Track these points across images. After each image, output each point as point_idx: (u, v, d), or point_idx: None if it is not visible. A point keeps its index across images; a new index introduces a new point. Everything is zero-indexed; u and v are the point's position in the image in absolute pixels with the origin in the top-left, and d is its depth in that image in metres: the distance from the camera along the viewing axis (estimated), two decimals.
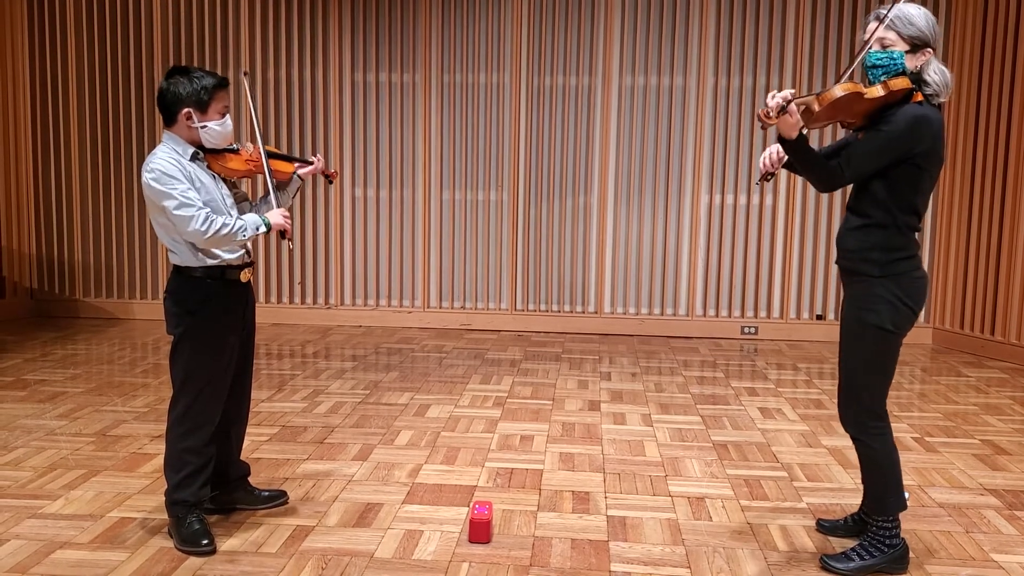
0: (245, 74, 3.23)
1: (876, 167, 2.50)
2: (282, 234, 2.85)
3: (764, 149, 6.44)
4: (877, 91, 2.49)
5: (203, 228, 2.64)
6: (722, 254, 6.63)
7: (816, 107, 2.51)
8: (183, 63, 6.59)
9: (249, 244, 2.93)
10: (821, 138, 6.40)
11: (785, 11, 6.41)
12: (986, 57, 5.98)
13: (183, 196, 2.64)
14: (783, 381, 5.25)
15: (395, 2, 6.64)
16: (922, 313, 2.66)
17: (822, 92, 2.51)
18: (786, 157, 2.81)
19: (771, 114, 2.42)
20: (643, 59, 6.54)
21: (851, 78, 2.52)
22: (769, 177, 2.84)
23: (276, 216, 2.84)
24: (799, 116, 2.47)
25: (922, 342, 6.48)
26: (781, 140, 2.52)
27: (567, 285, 6.77)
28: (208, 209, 2.68)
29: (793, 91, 2.49)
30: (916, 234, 2.60)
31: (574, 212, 6.71)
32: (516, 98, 6.64)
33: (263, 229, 2.79)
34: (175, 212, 2.63)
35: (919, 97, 2.51)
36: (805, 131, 2.54)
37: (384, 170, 6.81)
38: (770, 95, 2.46)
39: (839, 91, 2.47)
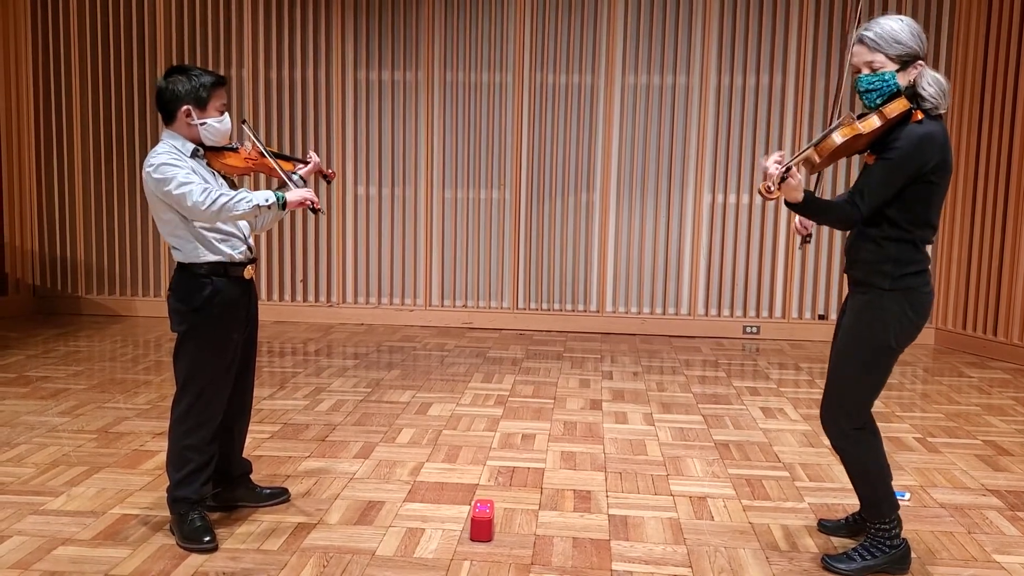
0: (244, 122, 3.11)
1: (890, 194, 2.46)
2: (312, 209, 2.79)
3: (767, 154, 6.47)
4: (874, 123, 2.45)
5: (202, 199, 2.61)
6: (724, 253, 6.62)
7: (817, 159, 2.50)
8: (186, 62, 6.61)
9: (251, 240, 2.93)
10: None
11: (788, 10, 6.40)
12: (989, 58, 5.97)
13: (183, 177, 2.64)
14: (785, 381, 5.25)
15: (398, 0, 6.64)
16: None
17: (820, 142, 2.49)
18: None
19: (772, 188, 2.41)
20: (646, 58, 6.54)
21: (851, 109, 2.50)
22: (809, 239, 2.90)
23: (294, 194, 2.77)
24: (800, 176, 2.45)
25: (925, 342, 6.47)
26: (788, 204, 2.51)
27: (569, 284, 6.77)
28: (208, 186, 2.67)
29: (781, 152, 2.47)
30: (928, 247, 2.57)
31: (576, 211, 6.71)
32: (519, 96, 6.64)
33: (272, 200, 2.71)
34: (175, 192, 2.63)
35: (919, 115, 2.46)
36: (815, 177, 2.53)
37: (386, 168, 6.80)
38: (765, 164, 2.43)
39: (838, 138, 2.45)
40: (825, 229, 6.51)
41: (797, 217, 2.85)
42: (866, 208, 2.48)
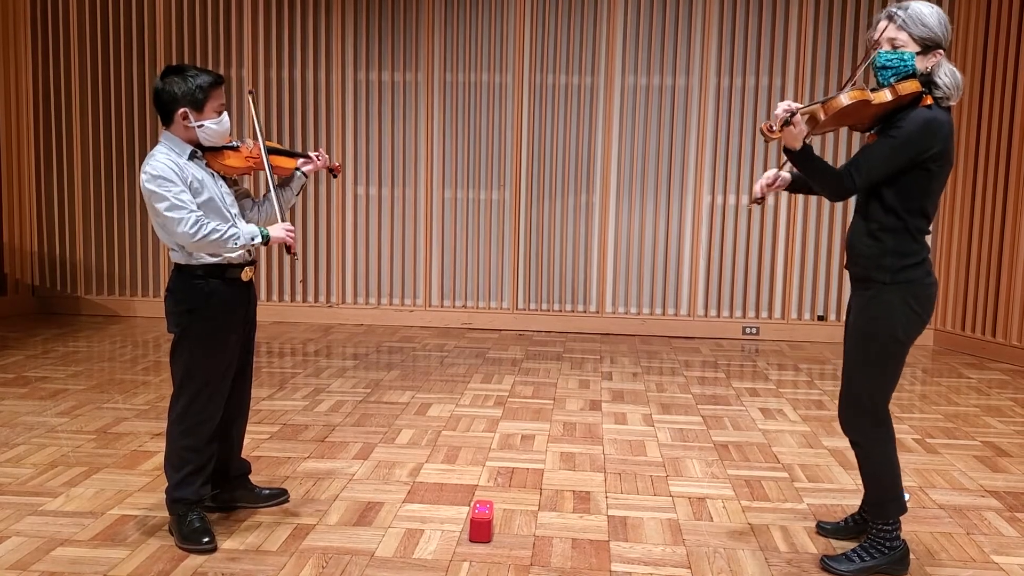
0: (250, 92, 3.14)
1: (887, 173, 2.46)
2: (287, 249, 2.84)
3: (766, 151, 6.47)
4: (885, 96, 2.44)
5: (192, 231, 2.63)
6: (724, 254, 6.63)
7: (822, 116, 2.48)
8: (186, 62, 6.60)
9: None
10: (828, 141, 6.40)
11: (788, 11, 6.41)
12: (988, 57, 5.97)
13: (176, 198, 2.63)
14: (784, 382, 5.25)
15: (398, 1, 6.64)
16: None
17: (828, 100, 2.47)
18: (779, 183, 2.82)
19: (774, 127, 2.40)
20: (646, 59, 6.54)
21: (856, 82, 2.50)
22: (759, 202, 2.83)
23: (277, 230, 2.82)
24: (803, 126, 2.45)
25: (923, 343, 6.47)
26: (786, 151, 2.50)
27: (568, 284, 6.77)
28: (200, 213, 2.67)
29: (797, 104, 2.46)
30: (926, 237, 2.57)
31: (576, 211, 6.71)
32: (519, 97, 6.64)
33: (258, 240, 2.76)
34: (166, 213, 2.63)
35: (928, 100, 2.47)
36: (809, 140, 2.52)
37: (386, 169, 6.81)
38: (777, 108, 2.43)
39: (846, 99, 2.43)
40: (824, 231, 6.51)
41: (760, 181, 2.82)
42: (861, 180, 2.47)
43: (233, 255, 2.79)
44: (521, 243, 6.76)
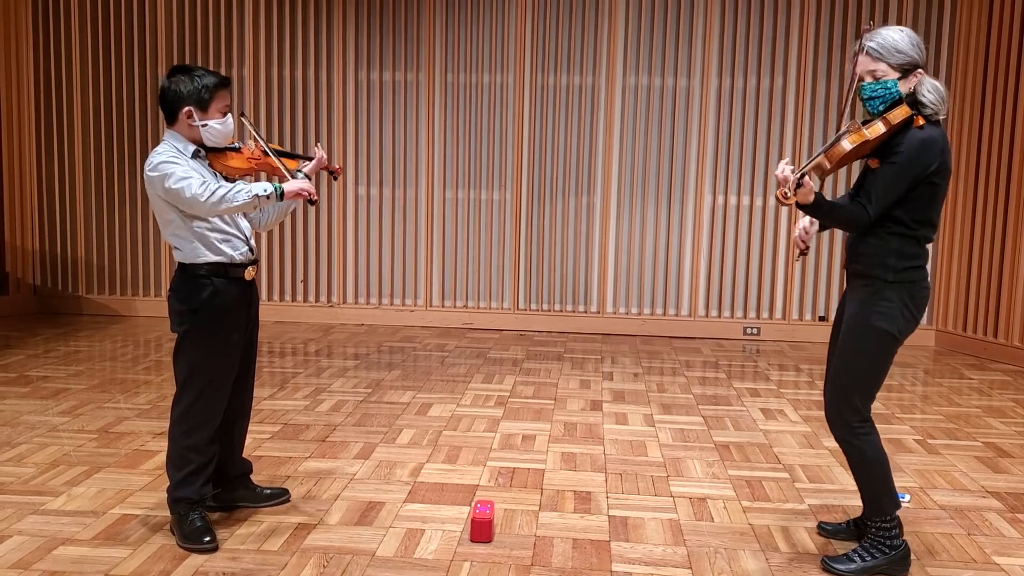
0: (242, 115, 3.09)
1: (896, 197, 2.55)
2: (310, 200, 2.80)
3: (767, 152, 6.48)
4: (879, 128, 2.54)
5: (200, 191, 2.61)
6: (725, 255, 6.63)
7: (828, 165, 2.59)
8: (187, 61, 6.61)
9: (253, 241, 2.93)
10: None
11: (789, 12, 6.41)
12: (990, 61, 5.97)
13: (183, 172, 2.65)
14: (785, 382, 5.25)
15: (399, 1, 6.65)
16: (924, 317, 2.76)
17: (830, 149, 2.57)
18: (814, 229, 2.91)
19: (789, 193, 2.50)
20: (647, 59, 6.54)
21: (852, 117, 2.61)
22: (806, 252, 2.92)
23: (292, 184, 2.77)
24: (814, 183, 2.55)
25: (925, 344, 6.47)
26: (800, 206, 2.59)
27: (569, 285, 6.77)
28: (207, 180, 2.67)
29: (787, 160, 2.56)
30: (929, 245, 2.65)
31: (577, 212, 6.71)
32: (520, 97, 6.64)
33: (270, 191, 2.70)
34: (173, 186, 2.62)
35: (920, 121, 2.55)
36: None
37: (387, 169, 6.81)
38: (779, 170, 2.51)
39: (847, 145, 2.54)
40: (825, 232, 6.50)
41: (797, 230, 2.92)
42: (875, 211, 2.57)
43: (237, 253, 2.79)
44: (522, 243, 6.76)
